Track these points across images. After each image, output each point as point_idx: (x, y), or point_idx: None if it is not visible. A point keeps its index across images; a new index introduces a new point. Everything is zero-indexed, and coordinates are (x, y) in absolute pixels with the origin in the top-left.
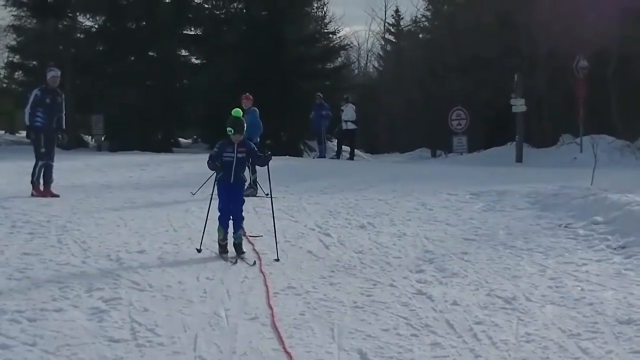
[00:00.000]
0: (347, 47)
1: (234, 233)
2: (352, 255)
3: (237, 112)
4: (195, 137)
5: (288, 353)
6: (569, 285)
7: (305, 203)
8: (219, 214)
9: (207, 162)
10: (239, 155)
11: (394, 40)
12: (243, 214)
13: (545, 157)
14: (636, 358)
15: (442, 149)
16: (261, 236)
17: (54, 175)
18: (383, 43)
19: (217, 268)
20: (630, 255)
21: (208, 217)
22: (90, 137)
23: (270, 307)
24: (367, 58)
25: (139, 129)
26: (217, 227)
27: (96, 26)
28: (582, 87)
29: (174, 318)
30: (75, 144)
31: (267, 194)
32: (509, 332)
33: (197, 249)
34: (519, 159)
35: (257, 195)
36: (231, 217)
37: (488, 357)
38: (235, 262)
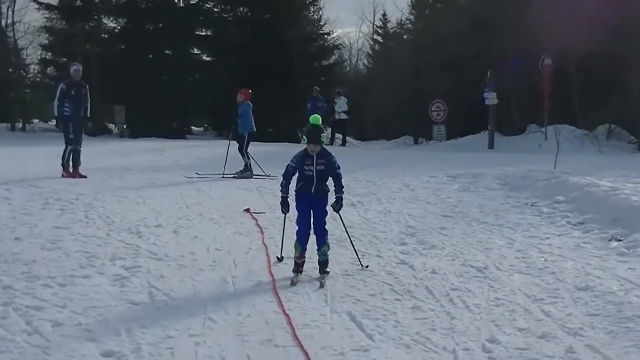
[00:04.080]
0: (340, 46)
1: (318, 249)
2: (343, 229)
3: (315, 119)
4: (205, 125)
5: (287, 315)
6: (533, 256)
7: None
8: (297, 227)
9: (281, 183)
10: (319, 167)
11: (381, 40)
12: (326, 226)
13: (514, 144)
14: (592, 320)
15: (424, 137)
16: (263, 213)
17: (82, 158)
18: (372, 43)
19: (225, 240)
20: (588, 230)
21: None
22: (113, 125)
23: (272, 275)
24: (357, 56)
25: (157, 118)
26: (294, 242)
27: (118, 27)
28: (547, 82)
29: (187, 284)
30: (101, 131)
31: (269, 175)
32: (481, 297)
33: (277, 258)
34: (491, 145)
35: (255, 176)
36: (312, 231)
37: (462, 319)
38: (322, 285)
